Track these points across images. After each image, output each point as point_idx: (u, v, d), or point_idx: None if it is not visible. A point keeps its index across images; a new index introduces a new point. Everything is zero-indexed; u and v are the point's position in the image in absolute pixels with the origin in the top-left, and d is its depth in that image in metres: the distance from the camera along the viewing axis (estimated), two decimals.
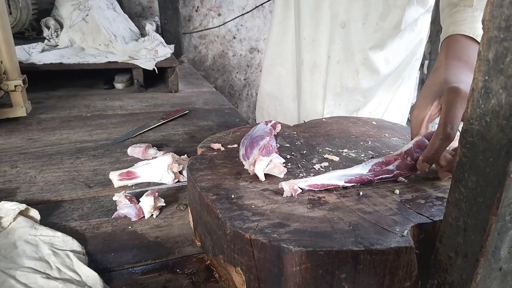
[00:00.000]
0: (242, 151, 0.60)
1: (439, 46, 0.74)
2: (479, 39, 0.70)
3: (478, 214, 0.33)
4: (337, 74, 1.06)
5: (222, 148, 0.67)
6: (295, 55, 1.13)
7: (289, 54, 1.15)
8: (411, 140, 0.61)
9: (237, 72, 2.51)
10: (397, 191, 0.53)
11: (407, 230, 0.42)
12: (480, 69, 0.31)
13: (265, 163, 0.55)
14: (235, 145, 0.68)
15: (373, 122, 0.83)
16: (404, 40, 1.04)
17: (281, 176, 0.56)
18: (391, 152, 0.67)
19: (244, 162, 0.59)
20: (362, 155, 0.66)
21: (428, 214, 0.47)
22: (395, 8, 0.95)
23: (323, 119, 0.86)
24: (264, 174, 0.55)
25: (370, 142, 0.72)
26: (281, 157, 0.57)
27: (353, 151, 0.68)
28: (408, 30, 1.02)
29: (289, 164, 0.60)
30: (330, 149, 0.68)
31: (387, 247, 0.39)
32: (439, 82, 0.61)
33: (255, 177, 0.55)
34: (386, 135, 0.76)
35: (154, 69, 1.50)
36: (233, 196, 0.49)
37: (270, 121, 0.74)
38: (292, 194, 0.50)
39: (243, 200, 0.48)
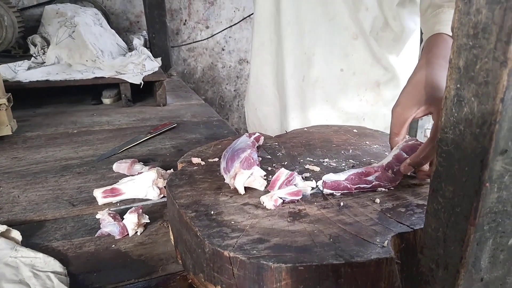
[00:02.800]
0: (223, 165, 0.59)
1: (421, 44, 0.74)
2: None
3: (457, 224, 0.32)
4: (353, 87, 1.02)
5: (203, 163, 0.66)
6: (277, 71, 1.10)
7: (270, 71, 1.13)
8: (390, 139, 0.61)
9: (227, 84, 2.51)
10: (377, 200, 0.52)
11: (387, 241, 0.41)
12: (452, 77, 0.30)
13: (245, 176, 0.54)
14: (216, 159, 0.67)
15: (354, 130, 0.83)
16: (412, 44, 1.04)
17: (262, 189, 0.55)
18: (372, 160, 0.66)
19: (225, 176, 0.58)
20: (343, 164, 0.65)
21: (408, 223, 0.46)
22: (394, 19, 0.95)
23: (305, 129, 0.85)
24: (245, 187, 0.54)
25: (351, 150, 0.71)
26: (262, 170, 0.57)
27: (334, 160, 0.67)
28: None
29: (270, 176, 0.59)
30: (311, 159, 0.67)
31: (368, 259, 0.38)
32: (428, 84, 0.60)
33: (235, 191, 0.55)
34: (367, 142, 0.76)
35: (141, 83, 1.49)
36: (212, 212, 0.48)
37: (254, 133, 0.73)
38: (274, 206, 0.49)
39: (223, 216, 0.47)
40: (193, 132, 1.25)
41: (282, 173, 0.54)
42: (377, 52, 0.97)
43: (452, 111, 0.31)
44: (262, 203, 0.50)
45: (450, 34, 0.69)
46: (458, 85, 0.30)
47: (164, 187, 0.83)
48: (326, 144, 0.74)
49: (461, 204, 0.31)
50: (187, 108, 1.54)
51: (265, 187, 0.55)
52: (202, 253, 0.42)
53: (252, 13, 2.35)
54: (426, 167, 0.57)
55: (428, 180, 0.57)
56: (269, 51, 1.08)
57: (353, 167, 0.63)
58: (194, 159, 0.66)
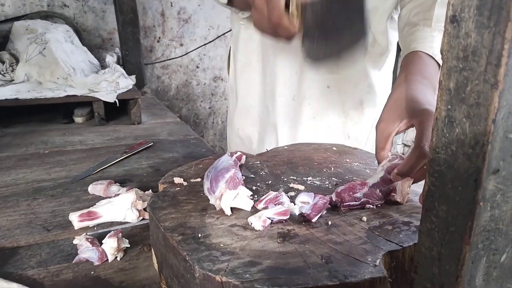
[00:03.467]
0: (206, 185, 0.58)
1: (399, 62, 0.77)
2: (437, 58, 0.74)
3: (451, 243, 0.32)
4: (338, 104, 1.03)
5: (185, 183, 0.65)
6: (265, 90, 1.10)
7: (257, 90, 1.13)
8: (376, 154, 0.63)
9: (201, 101, 2.50)
10: (364, 218, 0.52)
11: (379, 259, 0.41)
12: (443, 98, 0.31)
13: (232, 196, 0.53)
14: (199, 179, 0.66)
15: (334, 148, 0.84)
16: (391, 55, 1.06)
17: (248, 209, 0.54)
18: (354, 178, 0.67)
19: (209, 197, 0.57)
20: (327, 183, 0.66)
21: (397, 241, 0.46)
22: (383, 35, 0.97)
23: (285, 147, 0.85)
24: (231, 207, 0.54)
25: (332, 168, 0.72)
26: (247, 189, 0.56)
27: (317, 178, 0.67)
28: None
29: (256, 196, 0.58)
30: (295, 178, 0.67)
31: (362, 279, 0.38)
32: (407, 98, 0.63)
33: (221, 212, 0.54)
34: (348, 160, 0.76)
35: (115, 101, 1.46)
36: (200, 235, 0.47)
37: (235, 152, 0.72)
38: (262, 226, 0.48)
39: (211, 239, 0.46)
40: (170, 151, 1.23)
41: (270, 194, 0.54)
42: (362, 69, 0.99)
43: (444, 131, 0.31)
44: (250, 224, 0.49)
45: (425, 51, 0.73)
46: (449, 106, 0.31)
47: (144, 209, 0.81)
48: (307, 162, 0.74)
49: (456, 223, 0.32)
50: (162, 126, 1.52)
51: (251, 207, 0.54)
52: (191, 278, 0.41)
53: (228, 31, 2.38)
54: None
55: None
56: (257, 70, 1.08)
57: (336, 185, 0.63)
58: (176, 179, 0.65)
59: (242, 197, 0.53)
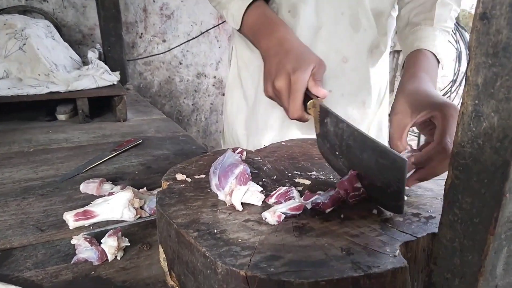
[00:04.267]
0: (214, 181, 0.58)
1: (401, 59, 0.79)
2: (439, 56, 0.77)
3: (475, 234, 0.33)
4: (342, 107, 1.02)
5: (189, 179, 0.64)
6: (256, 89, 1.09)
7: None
8: (392, 144, 0.63)
9: (184, 98, 2.48)
10: (375, 211, 0.53)
11: (398, 250, 0.42)
12: (470, 93, 0.31)
13: (242, 192, 0.53)
14: (203, 175, 0.65)
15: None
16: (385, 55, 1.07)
17: (259, 204, 0.54)
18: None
19: (218, 193, 0.57)
20: (331, 177, 0.66)
21: (410, 232, 0.47)
22: (385, 36, 0.99)
23: (282, 143, 0.85)
24: (242, 203, 0.53)
25: None
26: (257, 185, 0.56)
27: (321, 173, 0.68)
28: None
29: (264, 191, 0.58)
30: (299, 173, 0.67)
31: (384, 269, 0.39)
32: (423, 92, 0.65)
33: (232, 207, 0.53)
34: None
35: (99, 97, 1.44)
36: (215, 231, 0.46)
37: (237, 148, 0.72)
38: (277, 221, 0.48)
39: (228, 234, 0.46)
40: (160, 148, 1.21)
41: (281, 188, 0.54)
42: (364, 73, 0.99)
43: (470, 126, 0.32)
44: (264, 218, 0.49)
45: (429, 49, 0.76)
46: (477, 101, 0.31)
47: (140, 207, 0.80)
48: (308, 157, 0.75)
49: (480, 215, 0.33)
50: (149, 123, 1.50)
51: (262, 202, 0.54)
52: (212, 274, 0.41)
53: (211, 28, 2.36)
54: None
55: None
56: (251, 70, 1.07)
57: (340, 179, 0.64)
58: (178, 176, 0.64)
59: (253, 193, 0.53)
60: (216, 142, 2.70)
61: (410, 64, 0.74)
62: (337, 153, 0.61)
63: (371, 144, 0.52)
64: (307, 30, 0.91)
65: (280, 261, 0.40)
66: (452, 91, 3.35)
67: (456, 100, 3.41)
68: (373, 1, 0.90)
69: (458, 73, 3.27)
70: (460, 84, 3.32)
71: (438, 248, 0.37)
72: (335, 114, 0.61)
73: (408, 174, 0.59)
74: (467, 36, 3.15)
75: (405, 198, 0.56)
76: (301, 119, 0.70)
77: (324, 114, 0.64)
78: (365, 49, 0.95)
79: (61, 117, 1.48)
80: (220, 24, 2.42)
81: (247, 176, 0.55)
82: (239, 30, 0.87)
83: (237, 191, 0.53)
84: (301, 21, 0.90)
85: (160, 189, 0.89)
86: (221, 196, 0.56)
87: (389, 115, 0.72)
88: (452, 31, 0.86)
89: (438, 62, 0.77)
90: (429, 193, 0.61)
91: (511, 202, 0.32)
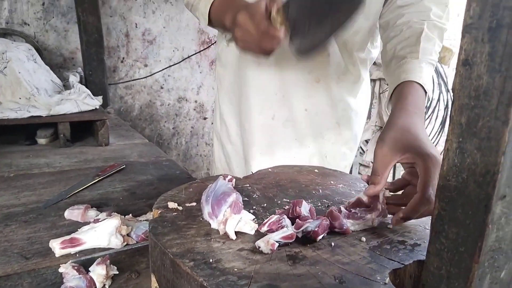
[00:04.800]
0: (207, 209, 0.59)
1: (388, 92, 0.82)
2: (426, 87, 0.79)
3: (461, 262, 0.36)
4: (316, 125, 1.07)
5: (180, 208, 0.65)
6: (241, 110, 1.13)
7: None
8: (372, 178, 0.64)
9: (165, 121, 2.48)
10: (363, 239, 0.55)
11: (387, 278, 0.44)
12: (454, 131, 0.34)
13: (236, 221, 0.55)
14: (194, 203, 0.66)
15: (315, 170, 0.87)
16: (366, 83, 1.13)
17: (252, 232, 0.55)
18: (343, 199, 0.70)
19: (211, 221, 0.58)
20: (319, 204, 0.68)
21: (398, 259, 0.50)
22: (354, 65, 1.03)
23: (269, 169, 0.88)
24: (235, 232, 0.55)
25: (320, 190, 0.75)
26: (250, 214, 0.57)
27: (309, 200, 0.70)
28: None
29: (255, 219, 0.60)
30: (288, 200, 0.69)
31: None
32: (411, 133, 0.65)
33: (225, 236, 0.54)
34: (332, 182, 0.80)
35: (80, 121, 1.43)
36: (211, 260, 0.47)
37: (227, 176, 0.74)
38: (271, 250, 0.50)
39: (223, 264, 0.47)
40: (143, 173, 1.21)
41: (272, 217, 0.55)
42: (336, 94, 1.04)
43: (455, 161, 0.35)
44: (258, 247, 0.51)
45: (417, 80, 0.78)
46: (461, 139, 0.34)
47: (127, 234, 0.80)
48: (295, 184, 0.77)
49: (465, 244, 0.35)
50: (131, 148, 1.49)
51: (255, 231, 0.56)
52: None
53: (193, 54, 2.39)
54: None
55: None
56: (234, 90, 1.12)
57: (328, 207, 0.66)
58: (171, 204, 0.65)
59: (246, 221, 0.55)
60: (197, 165, 2.70)
61: (399, 97, 0.76)
62: (308, 27, 0.64)
63: None
64: (285, 51, 0.96)
65: None
66: (426, 117, 3.48)
67: (430, 126, 3.54)
68: None
69: (431, 101, 3.41)
70: (433, 111, 3.45)
71: (426, 276, 0.40)
72: None
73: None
74: (438, 65, 3.30)
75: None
76: (274, 40, 0.71)
77: (286, 8, 0.67)
78: (333, 73, 1.01)
79: (42, 141, 1.46)
80: (202, 50, 2.47)
81: (240, 205, 0.57)
82: (210, 25, 0.92)
83: (231, 220, 0.54)
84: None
85: (145, 216, 0.90)
86: (214, 225, 0.57)
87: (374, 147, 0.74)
88: None
89: (426, 92, 0.80)
90: (413, 221, 0.64)
91: (493, 232, 0.34)
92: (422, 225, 0.61)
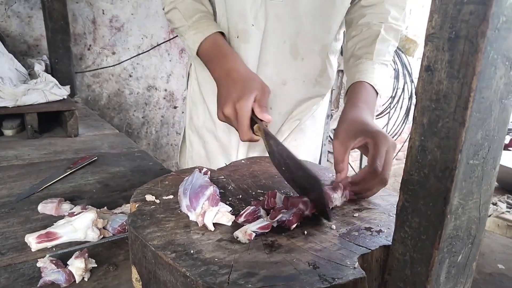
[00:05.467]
0: (185, 202, 0.61)
1: (345, 89, 0.90)
2: (377, 87, 0.89)
3: (423, 249, 0.40)
4: (278, 124, 1.11)
5: (157, 201, 0.66)
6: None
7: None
8: (336, 166, 0.73)
9: (134, 110, 2.45)
10: (333, 226, 0.59)
11: (356, 262, 0.48)
12: (417, 131, 0.38)
13: (213, 213, 0.57)
14: (171, 196, 0.68)
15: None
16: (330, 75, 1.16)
17: (229, 224, 0.58)
18: None
19: (189, 214, 0.60)
20: (291, 194, 0.72)
21: (365, 245, 0.54)
22: (330, 66, 1.07)
23: (242, 161, 0.90)
24: (213, 223, 0.57)
25: None
26: (226, 205, 0.60)
27: (282, 191, 0.73)
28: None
29: (232, 210, 0.62)
30: (262, 191, 0.72)
31: (347, 280, 0.44)
32: (360, 121, 0.76)
33: (204, 228, 0.57)
34: None
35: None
36: (192, 251, 0.50)
37: (202, 168, 0.76)
38: (248, 240, 0.52)
39: (204, 254, 0.49)
40: (116, 165, 1.21)
41: (248, 208, 0.58)
42: (303, 96, 1.08)
43: (417, 157, 0.39)
44: (236, 237, 0.53)
45: (368, 81, 0.87)
46: (422, 138, 0.38)
47: (103, 227, 0.80)
48: (268, 176, 0.80)
49: (427, 233, 0.39)
50: (102, 139, 1.48)
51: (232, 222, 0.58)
52: None
53: (162, 42, 2.36)
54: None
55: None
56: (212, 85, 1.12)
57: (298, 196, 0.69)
58: (148, 197, 0.66)
59: (223, 213, 0.57)
60: (167, 155, 2.68)
61: (351, 95, 0.86)
62: (283, 168, 0.70)
63: (298, 165, 0.64)
64: (254, 55, 0.99)
65: (255, 277, 0.44)
66: (391, 107, 3.60)
67: (395, 114, 3.66)
68: (316, 35, 0.99)
69: (396, 90, 3.53)
70: (398, 101, 3.57)
71: (391, 261, 0.44)
72: (274, 137, 0.72)
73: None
74: (403, 56, 3.41)
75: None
76: (251, 140, 0.79)
77: (268, 137, 0.73)
78: (302, 76, 1.05)
79: (8, 132, 1.42)
80: (172, 39, 2.44)
81: (217, 197, 0.59)
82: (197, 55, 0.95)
83: (209, 212, 0.56)
84: (249, 46, 0.98)
85: (120, 208, 0.91)
86: (192, 217, 0.59)
87: (332, 139, 0.82)
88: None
89: (377, 92, 0.89)
90: (378, 208, 0.68)
91: (451, 222, 0.39)
92: (387, 213, 0.66)
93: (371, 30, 0.95)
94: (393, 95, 3.55)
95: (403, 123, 3.71)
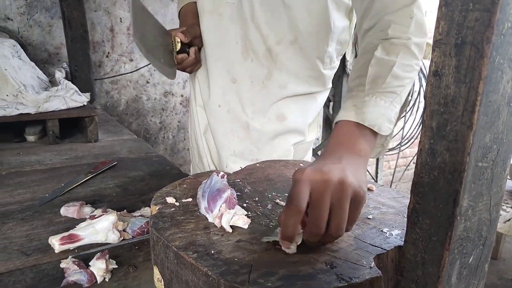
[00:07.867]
0: (203, 204, 0.63)
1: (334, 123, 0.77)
2: (366, 123, 0.68)
3: (434, 250, 0.41)
4: (228, 122, 1.13)
5: (177, 203, 0.68)
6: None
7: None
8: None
9: (152, 116, 2.50)
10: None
11: (372, 262, 0.49)
12: (426, 134, 0.39)
13: (230, 215, 0.59)
14: (190, 199, 0.70)
15: (300, 164, 0.92)
16: (300, 104, 1.11)
17: (246, 226, 0.60)
18: None
19: (207, 216, 0.62)
20: None
21: (380, 246, 0.55)
22: (280, 72, 1.06)
23: (257, 164, 0.92)
24: (230, 225, 0.59)
25: None
26: (243, 209, 0.62)
27: None
28: (304, 97, 1.11)
29: (249, 213, 0.64)
30: (279, 194, 0.74)
31: (363, 279, 0.46)
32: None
33: (223, 229, 0.59)
34: None
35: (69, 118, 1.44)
36: (212, 251, 0.52)
37: (219, 172, 0.78)
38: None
39: (224, 254, 0.51)
40: (135, 169, 1.24)
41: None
42: (249, 98, 1.09)
43: (427, 160, 0.40)
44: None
45: (351, 119, 0.70)
46: (432, 141, 0.39)
47: (123, 230, 0.83)
48: (283, 179, 0.82)
49: (437, 234, 0.40)
50: (121, 144, 1.52)
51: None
52: None
53: None
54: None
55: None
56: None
57: None
58: (169, 199, 0.68)
59: (240, 216, 0.59)
60: (184, 159, 2.72)
61: (331, 136, 0.70)
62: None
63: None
64: (212, 49, 1.10)
65: (275, 276, 0.46)
66: (407, 110, 3.55)
67: (411, 118, 3.62)
68: (264, 38, 1.02)
69: (412, 93, 3.49)
70: (414, 104, 3.53)
71: (403, 262, 0.45)
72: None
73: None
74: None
75: None
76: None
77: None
78: (251, 76, 1.07)
79: (31, 138, 1.47)
80: None
81: (234, 200, 0.61)
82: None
83: (226, 215, 0.58)
84: (208, 41, 1.10)
85: (139, 211, 0.93)
86: (211, 219, 0.61)
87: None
88: None
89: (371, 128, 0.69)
90: (392, 210, 0.69)
91: (461, 223, 0.40)
92: (401, 214, 0.67)
93: (367, 55, 0.78)
94: (409, 99, 3.52)
95: (419, 126, 3.66)
